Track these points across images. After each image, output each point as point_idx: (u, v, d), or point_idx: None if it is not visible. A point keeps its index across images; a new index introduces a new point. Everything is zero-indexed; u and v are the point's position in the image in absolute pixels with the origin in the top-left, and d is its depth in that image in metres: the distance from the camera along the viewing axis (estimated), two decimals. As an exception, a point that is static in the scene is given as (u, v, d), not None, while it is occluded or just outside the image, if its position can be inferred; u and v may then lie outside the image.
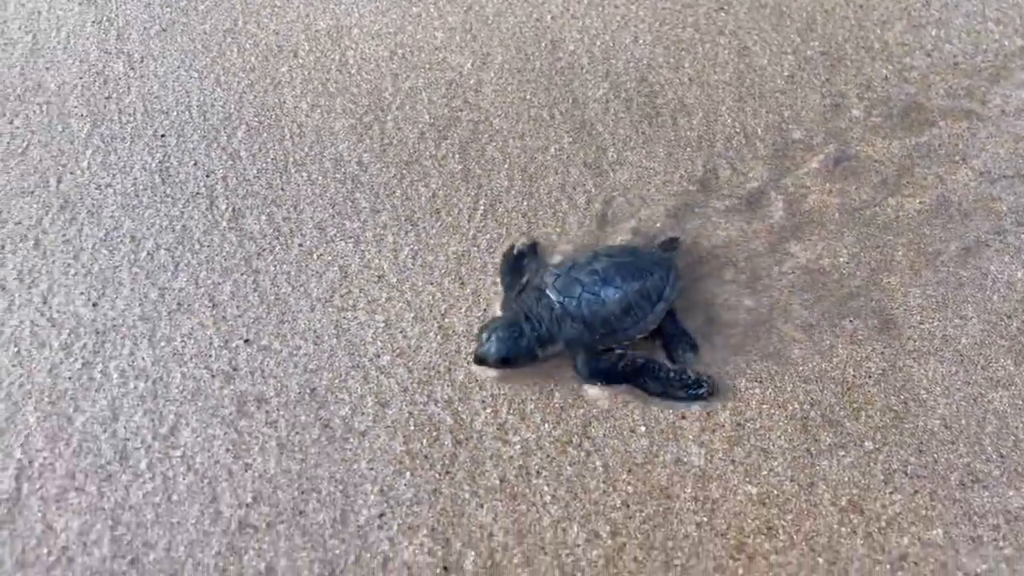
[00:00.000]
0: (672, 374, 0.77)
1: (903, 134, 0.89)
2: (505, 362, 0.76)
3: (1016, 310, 0.76)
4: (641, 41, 0.98)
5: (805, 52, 0.97)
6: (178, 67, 0.94)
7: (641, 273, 0.76)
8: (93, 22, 0.99)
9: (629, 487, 0.71)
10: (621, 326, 0.77)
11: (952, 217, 0.82)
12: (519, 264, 0.85)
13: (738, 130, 0.90)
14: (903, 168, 0.86)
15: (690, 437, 0.71)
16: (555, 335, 0.76)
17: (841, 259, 0.79)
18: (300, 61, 0.99)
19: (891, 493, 0.67)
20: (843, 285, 0.78)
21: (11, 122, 0.89)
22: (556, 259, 0.83)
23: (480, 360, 0.77)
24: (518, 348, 0.75)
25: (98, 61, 0.95)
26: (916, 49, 0.97)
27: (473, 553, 0.67)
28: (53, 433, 0.73)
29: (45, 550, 0.68)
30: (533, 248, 0.85)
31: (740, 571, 0.63)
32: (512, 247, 0.86)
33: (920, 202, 0.84)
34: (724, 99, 0.92)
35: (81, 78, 0.94)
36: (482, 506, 0.71)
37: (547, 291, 0.76)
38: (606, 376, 0.76)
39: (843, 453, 0.68)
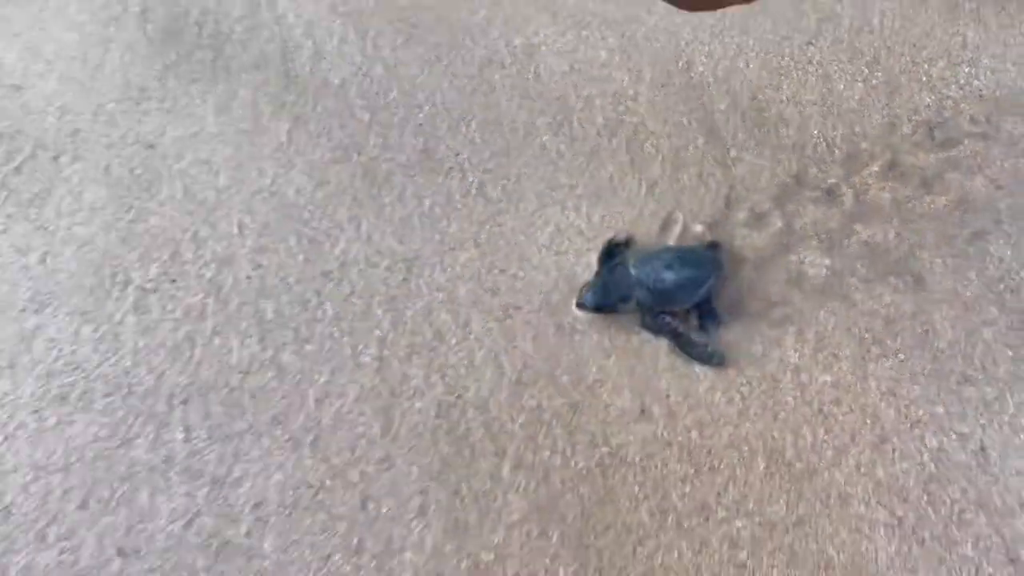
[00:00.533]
0: (696, 345, 1.09)
1: (938, 150, 1.23)
2: (597, 309, 1.12)
3: (1003, 276, 1.11)
4: (751, 66, 1.33)
5: (872, 81, 1.31)
6: (422, 71, 1.30)
7: (695, 265, 1.11)
8: (355, 32, 1.34)
9: (748, 375, 1.09)
10: (674, 298, 1.11)
11: (967, 211, 1.17)
12: (613, 252, 1.19)
13: (821, 140, 1.24)
14: (936, 175, 1.21)
15: (788, 346, 1.08)
16: (629, 297, 1.12)
17: (890, 236, 1.15)
18: (507, 71, 1.34)
19: (913, 385, 1.04)
20: (890, 254, 1.14)
21: (314, 108, 1.25)
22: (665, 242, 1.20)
23: (579, 306, 1.13)
24: (606, 300, 1.11)
25: (364, 63, 1.31)
26: (952, 83, 1.31)
27: (658, 407, 1.05)
28: (427, 309, 1.11)
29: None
30: (628, 242, 1.21)
31: (820, 422, 1.01)
32: (611, 239, 1.22)
33: (946, 199, 1.19)
34: (812, 115, 1.27)
35: (354, 75, 1.30)
36: (661, 380, 1.10)
37: (630, 268, 1.12)
38: (656, 330, 1.10)
39: (885, 360, 1.05)
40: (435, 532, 0.87)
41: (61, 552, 0.85)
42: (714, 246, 1.14)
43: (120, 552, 0.84)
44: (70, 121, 1.18)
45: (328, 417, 0.94)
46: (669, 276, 1.07)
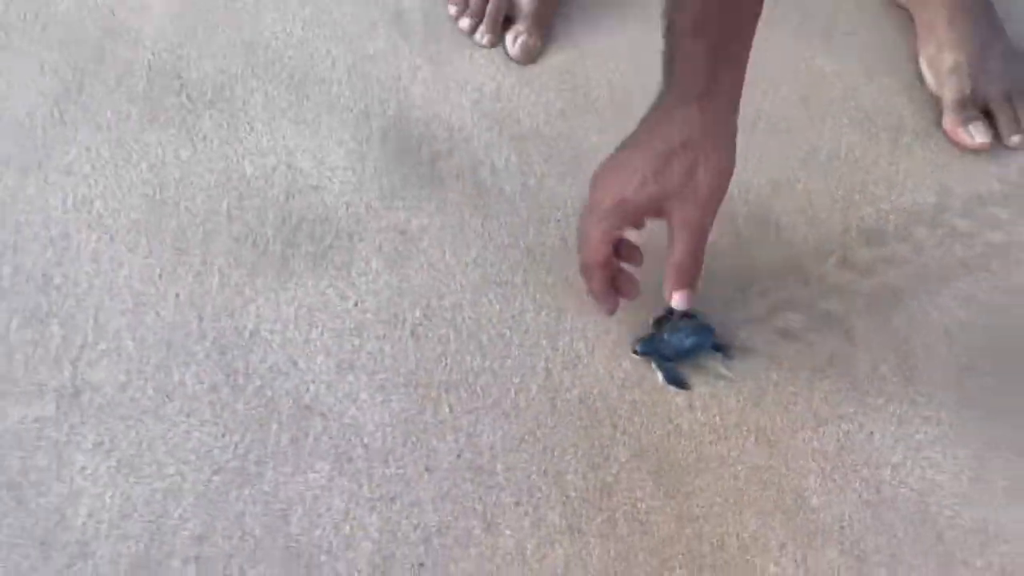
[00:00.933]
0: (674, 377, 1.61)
1: (874, 249, 1.92)
2: (643, 355, 1.60)
3: (903, 334, 1.85)
4: (764, 183, 2.05)
5: (835, 196, 2.03)
6: (557, 183, 1.96)
7: (701, 334, 1.61)
8: (516, 154, 2.07)
9: (749, 386, 1.87)
10: (688, 356, 1.62)
11: (886, 291, 1.88)
12: (663, 319, 1.64)
13: (804, 240, 1.92)
14: (869, 266, 1.86)
15: (772, 370, 1.85)
16: (662, 354, 1.62)
17: (838, 307, 1.77)
18: None
19: (839, 396, 1.71)
20: (836, 317, 1.72)
21: (495, 207, 1.97)
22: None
23: (633, 351, 1.63)
24: (648, 351, 1.62)
25: (522, 177, 1.99)
26: (886, 199, 1.96)
27: (699, 403, 1.85)
28: (571, 340, 1.87)
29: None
30: (684, 314, 1.59)
31: (785, 414, 1.78)
32: (664, 310, 1.63)
33: (873, 283, 1.76)
34: (798, 223, 1.99)
35: (517, 185, 2.03)
36: (701, 388, 1.88)
37: (664, 335, 1.61)
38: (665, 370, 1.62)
39: (826, 380, 1.64)
40: (582, 464, 1.63)
41: (396, 470, 1.64)
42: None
43: (427, 469, 1.64)
44: (353, 213, 1.92)
45: (523, 402, 1.72)
46: (688, 342, 1.61)
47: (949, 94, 2.05)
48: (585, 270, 1.27)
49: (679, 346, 1.71)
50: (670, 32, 1.02)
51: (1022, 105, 2.02)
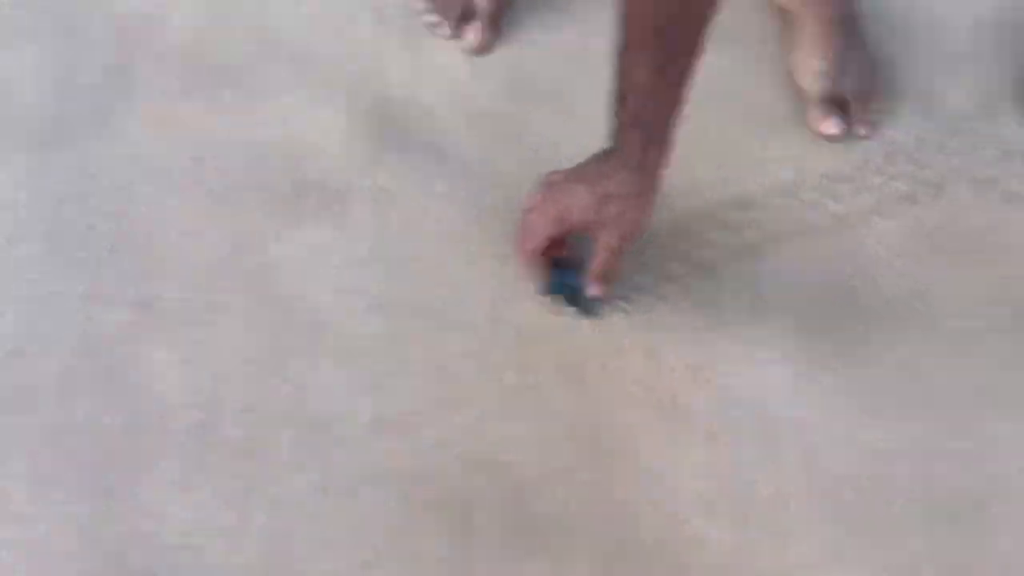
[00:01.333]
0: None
1: (742, 213, 1.71)
2: (545, 295, 1.61)
3: (800, 272, 2.09)
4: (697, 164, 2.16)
5: (717, 173, 1.94)
6: (516, 169, 2.36)
7: (578, 270, 1.59)
8: (469, 127, 2.28)
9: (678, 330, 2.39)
10: (576, 286, 1.66)
11: (748, 243, 1.76)
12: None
13: (691, 206, 1.75)
14: (740, 226, 1.76)
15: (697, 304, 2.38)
16: (558, 291, 1.71)
17: (714, 258, 1.84)
18: (564, 156, 2.47)
19: (761, 332, 1.77)
20: (711, 261, 1.86)
21: (470, 172, 2.23)
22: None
23: (537, 293, 1.60)
24: (545, 292, 1.60)
25: (483, 153, 2.44)
26: (755, 176, 1.98)
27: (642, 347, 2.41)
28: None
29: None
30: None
31: (708, 353, 2.04)
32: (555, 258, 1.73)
33: (742, 238, 1.72)
34: (687, 193, 2.05)
35: (479, 158, 2.49)
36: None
37: (553, 278, 1.73)
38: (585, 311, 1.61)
39: (756, 329, 1.96)
40: (516, 371, 1.68)
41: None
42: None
43: (407, 360, 1.82)
44: (346, 174, 2.03)
45: (475, 323, 1.71)
46: (572, 280, 1.65)
47: (813, 91, 2.31)
48: (523, 255, 1.56)
49: (572, 283, 1.80)
50: (614, 119, 1.27)
51: (871, 103, 2.54)
